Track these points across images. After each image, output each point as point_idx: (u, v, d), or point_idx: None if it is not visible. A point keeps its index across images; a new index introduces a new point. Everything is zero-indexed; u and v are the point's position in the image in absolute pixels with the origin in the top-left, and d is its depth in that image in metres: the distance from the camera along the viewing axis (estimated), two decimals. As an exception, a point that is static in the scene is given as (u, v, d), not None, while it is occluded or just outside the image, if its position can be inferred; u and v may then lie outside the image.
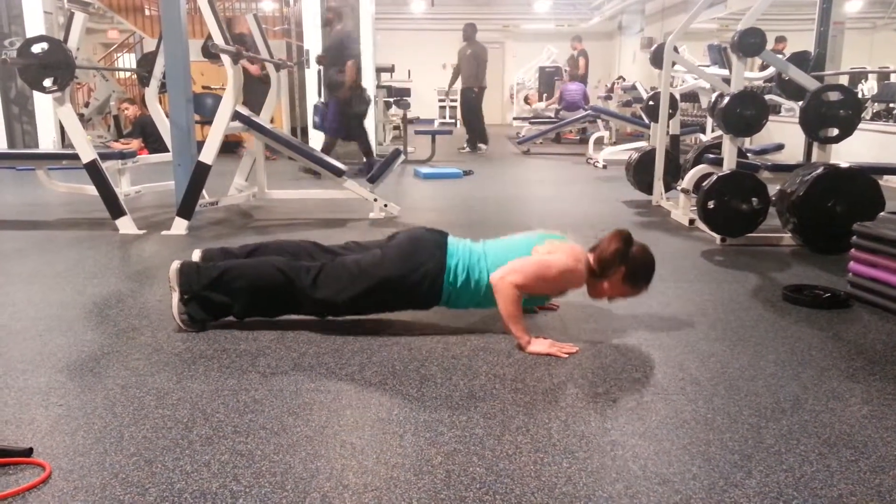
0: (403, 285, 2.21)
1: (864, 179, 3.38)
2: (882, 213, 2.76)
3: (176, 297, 2.24)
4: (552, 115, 11.27)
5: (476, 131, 9.39)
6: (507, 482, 1.40)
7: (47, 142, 7.59)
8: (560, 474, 1.43)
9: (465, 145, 9.44)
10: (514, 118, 12.72)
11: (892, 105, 9.16)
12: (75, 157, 3.90)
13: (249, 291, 2.24)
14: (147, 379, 1.90)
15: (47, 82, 3.71)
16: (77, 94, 9.25)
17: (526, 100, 12.88)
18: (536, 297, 2.31)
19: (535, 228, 2.44)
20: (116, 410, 1.71)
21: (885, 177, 5.31)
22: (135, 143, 7.32)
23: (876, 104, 9.46)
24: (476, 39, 9.25)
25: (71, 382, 1.88)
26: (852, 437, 1.61)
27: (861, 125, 3.66)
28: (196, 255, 2.41)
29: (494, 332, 2.30)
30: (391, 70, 10.01)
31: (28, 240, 3.73)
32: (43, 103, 7.41)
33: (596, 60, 15.18)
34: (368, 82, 7.86)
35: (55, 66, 3.69)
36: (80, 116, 6.98)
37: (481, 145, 9.37)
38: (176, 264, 2.25)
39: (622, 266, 2.20)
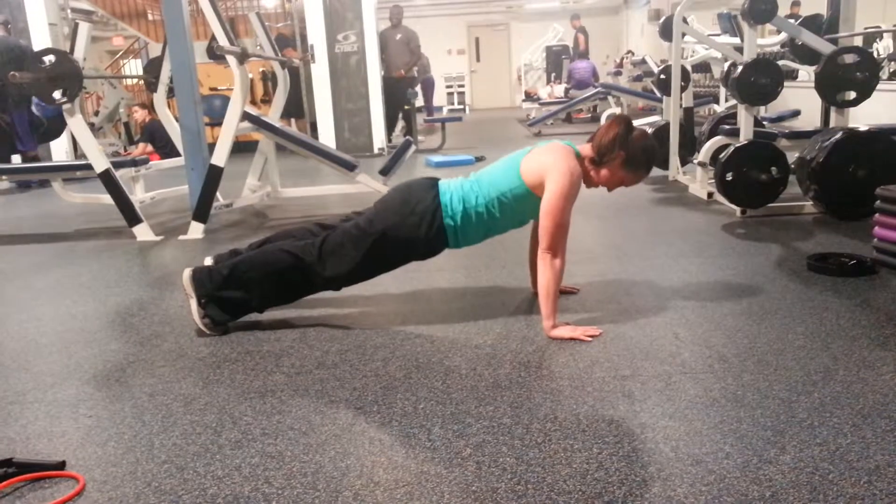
0: (404, 230, 2.20)
1: (885, 142, 3.31)
2: (906, 176, 2.70)
3: (194, 303, 2.25)
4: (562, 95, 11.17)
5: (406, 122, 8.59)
6: (539, 471, 1.39)
7: (60, 153, 7.65)
8: (591, 460, 1.42)
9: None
10: (523, 100, 12.61)
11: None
12: (89, 167, 3.93)
13: (262, 280, 2.25)
14: (173, 385, 1.91)
15: (57, 94, 3.72)
16: (86, 103, 9.30)
17: (527, 94, 12.76)
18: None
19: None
20: (145, 419, 1.72)
21: (906, 137, 5.22)
22: (140, 148, 7.38)
23: (893, 63, 9.23)
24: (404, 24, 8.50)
25: (99, 393, 1.90)
26: (886, 406, 1.58)
27: (879, 86, 3.57)
28: (208, 261, 2.42)
29: (517, 319, 2.28)
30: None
31: (48, 252, 3.77)
32: (54, 115, 7.46)
33: (603, 36, 15.02)
34: (374, 74, 7.83)
35: (63, 78, 3.70)
36: (91, 125, 7.03)
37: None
38: (188, 272, 2.26)
39: (621, 151, 2.17)
